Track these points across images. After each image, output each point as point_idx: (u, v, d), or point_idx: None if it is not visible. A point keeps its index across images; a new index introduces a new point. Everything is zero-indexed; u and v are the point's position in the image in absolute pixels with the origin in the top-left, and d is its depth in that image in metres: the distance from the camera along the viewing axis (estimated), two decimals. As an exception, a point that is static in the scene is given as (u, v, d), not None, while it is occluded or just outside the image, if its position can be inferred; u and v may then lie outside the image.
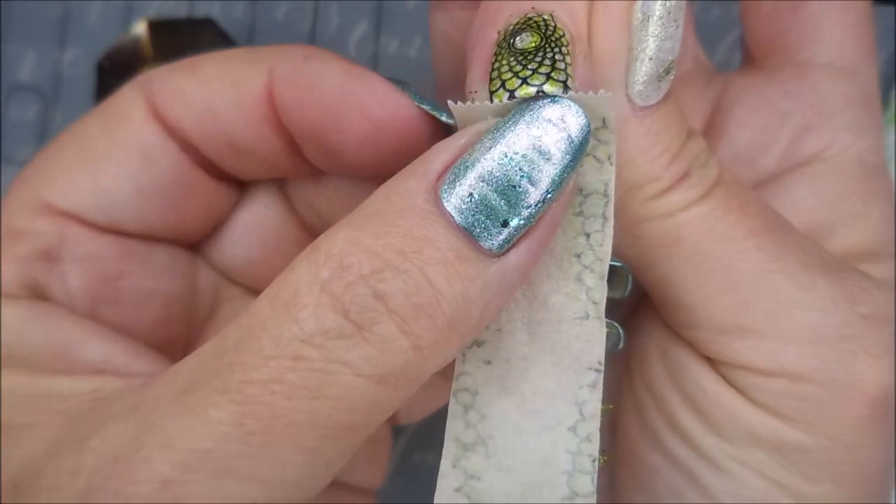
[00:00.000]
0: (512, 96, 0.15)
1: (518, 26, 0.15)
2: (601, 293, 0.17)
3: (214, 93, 0.19)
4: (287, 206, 0.22)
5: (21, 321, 0.17)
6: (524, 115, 0.15)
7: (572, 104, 0.15)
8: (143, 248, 0.20)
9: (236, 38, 0.36)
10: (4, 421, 0.15)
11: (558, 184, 0.15)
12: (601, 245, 0.17)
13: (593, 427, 0.17)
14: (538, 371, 0.17)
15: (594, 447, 0.17)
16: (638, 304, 0.21)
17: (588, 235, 0.17)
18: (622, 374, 0.21)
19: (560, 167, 0.15)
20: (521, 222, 0.15)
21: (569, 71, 0.15)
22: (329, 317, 0.13)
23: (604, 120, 0.16)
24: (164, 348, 0.20)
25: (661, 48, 0.16)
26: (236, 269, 0.22)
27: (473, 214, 0.14)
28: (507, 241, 0.15)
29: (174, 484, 0.13)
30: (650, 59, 0.16)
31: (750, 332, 0.17)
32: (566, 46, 0.15)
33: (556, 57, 0.15)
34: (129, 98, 0.19)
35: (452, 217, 0.14)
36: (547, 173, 0.15)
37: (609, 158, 0.16)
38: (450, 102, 0.16)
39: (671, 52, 0.16)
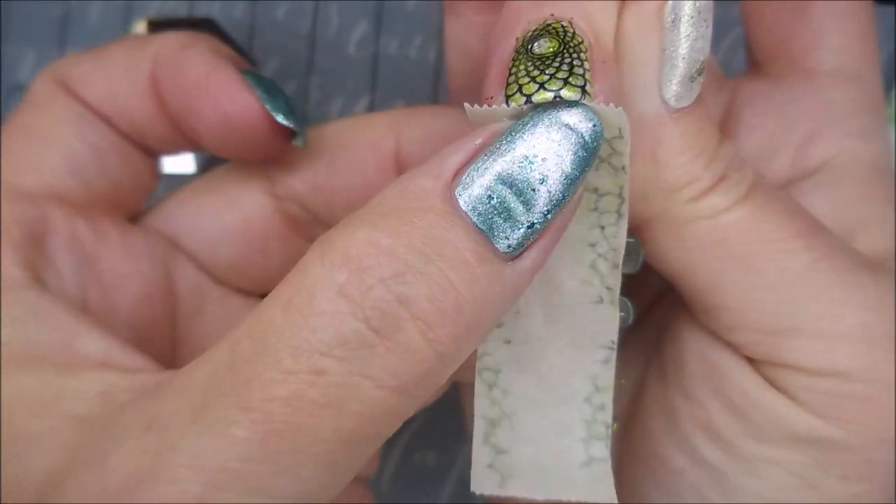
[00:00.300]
0: (529, 100, 0.15)
1: (537, 32, 0.15)
2: (615, 280, 0.17)
3: (112, 77, 0.20)
4: (273, 205, 0.22)
5: (24, 315, 0.17)
6: (542, 119, 0.15)
7: (588, 110, 0.15)
8: (117, 231, 0.21)
9: (236, 38, 0.36)
10: (20, 428, 0.15)
11: (573, 187, 0.15)
12: (615, 237, 0.17)
13: (606, 398, 0.18)
14: (554, 350, 0.18)
15: (607, 415, 0.18)
16: (672, 310, 0.21)
17: (603, 228, 0.17)
18: (652, 378, 0.21)
19: (576, 171, 0.15)
20: (538, 225, 0.14)
21: (587, 77, 0.15)
22: (349, 325, 0.13)
23: (619, 130, 0.16)
24: (147, 338, 0.20)
25: (693, 48, 0.16)
26: (220, 268, 0.22)
27: (491, 216, 0.14)
28: (521, 244, 0.15)
29: None
30: (683, 59, 0.16)
31: (800, 332, 0.17)
32: (584, 53, 0.15)
33: (575, 63, 0.15)
34: (44, 84, 0.20)
35: (470, 218, 0.14)
36: (563, 176, 0.15)
37: (623, 168, 0.16)
38: (466, 105, 0.16)
39: (702, 51, 0.16)
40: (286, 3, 0.41)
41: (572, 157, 0.15)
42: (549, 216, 0.15)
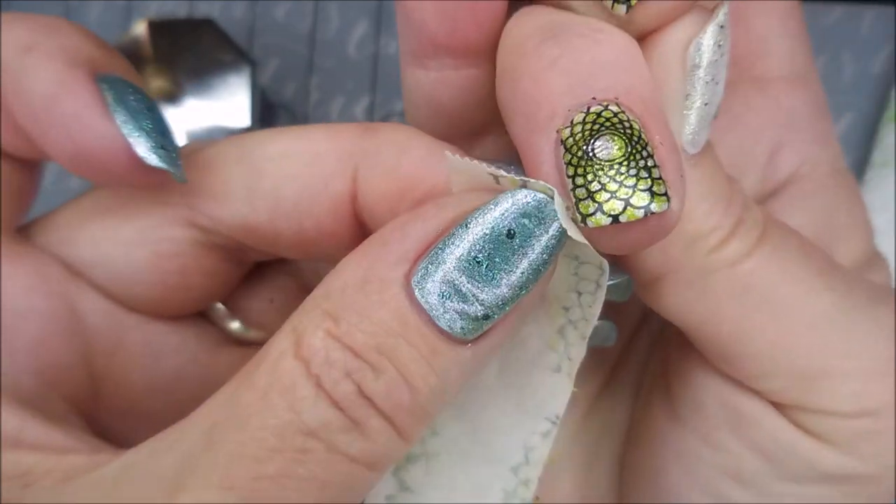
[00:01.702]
0: (616, 220, 0.13)
1: (592, 129, 0.14)
2: (579, 352, 0.16)
3: None
4: (193, 237, 0.19)
5: None
6: (500, 209, 0.14)
7: (551, 202, 0.14)
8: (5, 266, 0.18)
9: (236, 38, 0.36)
10: None
11: (534, 280, 0.14)
12: (590, 307, 0.16)
13: (534, 474, 0.17)
14: (499, 406, 0.17)
15: (529, 493, 0.17)
16: (677, 349, 0.20)
17: (579, 294, 0.16)
18: (661, 418, 0.20)
19: (535, 265, 0.14)
20: (496, 316, 0.14)
21: (663, 175, 0.14)
22: (329, 411, 0.14)
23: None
24: (56, 382, 0.18)
25: (715, 92, 0.16)
26: (132, 302, 0.19)
27: (447, 312, 0.14)
28: (479, 331, 0.14)
29: None
30: (706, 104, 0.15)
31: (832, 375, 0.17)
32: (649, 146, 0.14)
33: (649, 163, 0.14)
34: None
35: (427, 312, 0.14)
36: (522, 270, 0.14)
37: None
38: (447, 154, 0.15)
39: (721, 94, 0.16)
40: (286, 3, 0.41)
41: (532, 252, 0.14)
42: (506, 307, 0.14)
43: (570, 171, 0.14)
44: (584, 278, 0.16)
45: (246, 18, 0.41)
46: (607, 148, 0.14)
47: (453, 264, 0.14)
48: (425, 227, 0.15)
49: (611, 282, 0.17)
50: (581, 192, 0.14)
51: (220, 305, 0.21)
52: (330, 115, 0.40)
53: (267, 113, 0.39)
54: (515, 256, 0.14)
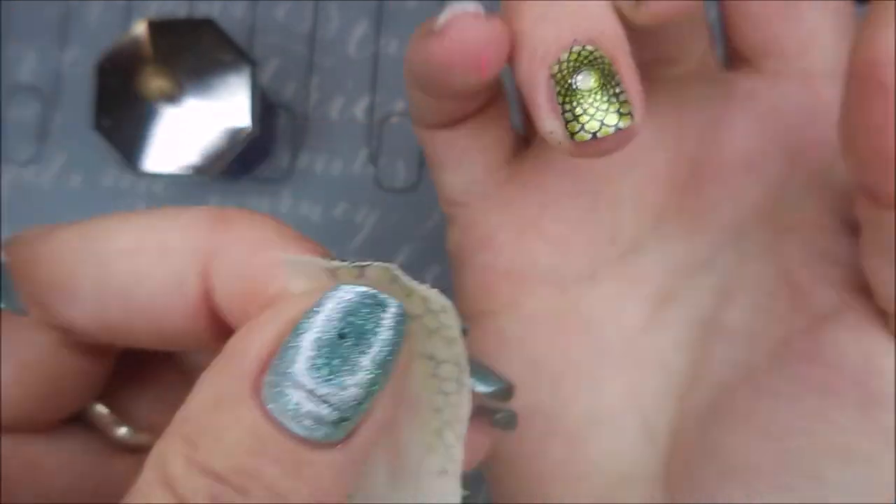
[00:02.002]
0: (594, 137, 0.17)
1: (573, 64, 0.17)
2: (459, 452, 0.16)
3: None
4: (56, 338, 0.18)
5: None
6: (325, 313, 0.14)
7: (383, 296, 0.14)
8: None
9: (236, 39, 0.36)
10: None
11: (384, 375, 0.14)
12: (458, 406, 0.16)
13: None
14: None
15: None
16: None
17: (446, 395, 0.16)
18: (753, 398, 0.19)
19: (379, 361, 0.14)
20: (355, 416, 0.14)
21: (629, 98, 0.17)
22: None
23: (443, 306, 0.15)
24: None
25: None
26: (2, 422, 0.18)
27: (303, 420, 0.13)
28: (343, 433, 0.14)
29: None
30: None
31: None
32: (617, 75, 0.17)
33: (617, 90, 0.17)
34: None
35: (282, 424, 0.14)
36: (367, 369, 0.14)
37: (455, 340, 0.15)
38: (283, 256, 0.15)
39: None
40: (286, 3, 0.41)
41: (373, 346, 0.14)
42: (364, 405, 0.14)
43: (560, 100, 0.17)
44: (444, 378, 0.16)
45: (246, 18, 0.41)
46: (586, 80, 0.17)
47: (295, 372, 0.14)
48: (263, 338, 0.14)
49: (490, 388, 0.17)
50: (569, 116, 0.17)
51: (104, 410, 0.20)
52: (330, 114, 0.40)
53: (267, 113, 0.39)
54: (355, 356, 0.14)
